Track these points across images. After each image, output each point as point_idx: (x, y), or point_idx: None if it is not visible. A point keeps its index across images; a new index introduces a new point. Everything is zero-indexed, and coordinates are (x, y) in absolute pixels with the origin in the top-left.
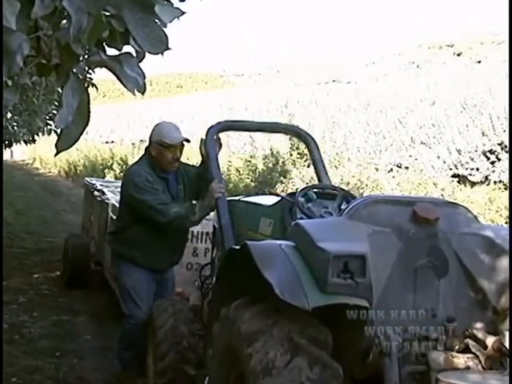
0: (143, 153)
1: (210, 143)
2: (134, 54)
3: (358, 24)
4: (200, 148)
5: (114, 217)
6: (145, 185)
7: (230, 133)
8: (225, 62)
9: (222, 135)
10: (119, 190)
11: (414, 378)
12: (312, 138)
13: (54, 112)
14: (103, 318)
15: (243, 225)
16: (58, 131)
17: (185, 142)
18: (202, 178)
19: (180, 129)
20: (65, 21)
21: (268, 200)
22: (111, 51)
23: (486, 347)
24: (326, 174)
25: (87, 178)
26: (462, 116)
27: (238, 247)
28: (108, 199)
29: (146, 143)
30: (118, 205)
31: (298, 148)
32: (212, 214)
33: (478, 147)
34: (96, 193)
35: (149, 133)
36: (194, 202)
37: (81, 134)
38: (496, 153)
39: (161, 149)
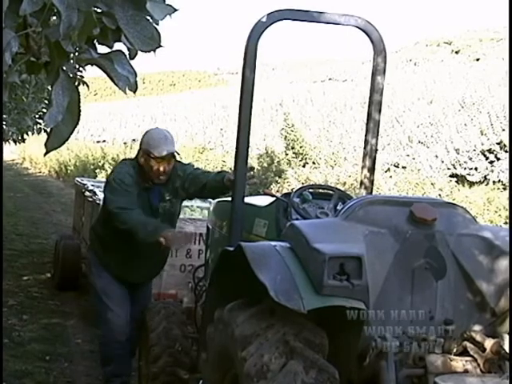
0: (137, 153)
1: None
2: (126, 52)
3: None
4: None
5: None
6: (119, 185)
7: (224, 131)
8: (219, 59)
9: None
10: None
11: (411, 382)
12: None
13: (44, 110)
14: (94, 321)
15: None
16: (48, 130)
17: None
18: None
19: (173, 138)
20: (54, 18)
21: (263, 200)
22: (102, 49)
23: (484, 350)
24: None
25: (78, 178)
26: (461, 115)
27: (231, 249)
28: (99, 200)
29: (139, 142)
30: None
31: (293, 148)
32: (205, 214)
33: (477, 146)
34: (87, 193)
35: (141, 132)
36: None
37: (71, 134)
38: (495, 152)
39: (148, 159)
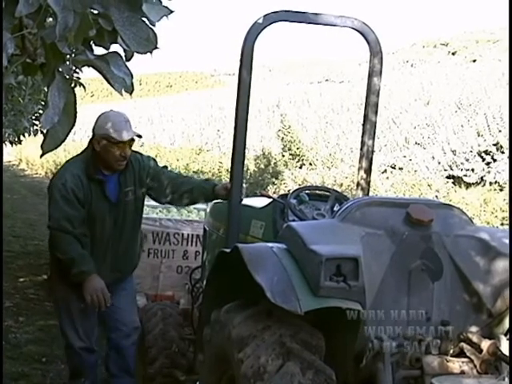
0: (86, 147)
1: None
2: (122, 53)
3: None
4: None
5: None
6: (60, 192)
7: (221, 132)
8: (215, 61)
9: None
10: None
11: (408, 383)
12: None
13: (41, 112)
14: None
15: None
16: (45, 132)
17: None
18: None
19: (130, 121)
20: (50, 19)
21: (259, 202)
22: (99, 50)
23: (481, 351)
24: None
25: None
26: (457, 116)
27: (228, 250)
28: None
29: (136, 144)
30: None
31: (290, 149)
32: (202, 215)
33: (473, 148)
34: None
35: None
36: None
37: (67, 135)
38: (491, 153)
39: (107, 144)
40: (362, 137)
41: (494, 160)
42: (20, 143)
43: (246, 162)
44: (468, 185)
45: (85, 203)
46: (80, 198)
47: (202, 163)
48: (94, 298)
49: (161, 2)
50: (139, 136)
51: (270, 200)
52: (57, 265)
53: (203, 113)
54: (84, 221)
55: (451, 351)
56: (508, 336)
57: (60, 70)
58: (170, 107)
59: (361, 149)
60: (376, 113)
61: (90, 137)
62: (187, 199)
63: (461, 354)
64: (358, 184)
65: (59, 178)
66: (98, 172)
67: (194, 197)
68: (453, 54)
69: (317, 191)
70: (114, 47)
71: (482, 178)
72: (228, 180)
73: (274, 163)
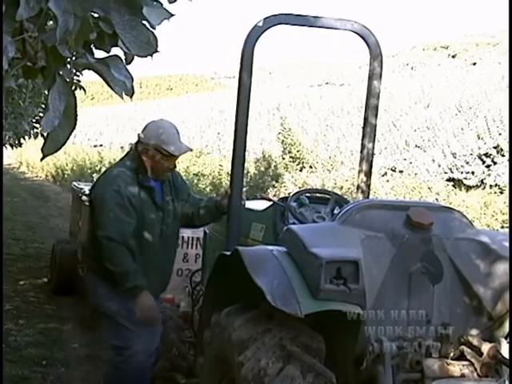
0: (127, 151)
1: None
2: (123, 57)
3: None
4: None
5: None
6: (116, 203)
7: (222, 135)
8: (216, 64)
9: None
10: None
11: None
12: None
13: (41, 115)
14: (91, 325)
15: None
16: (45, 135)
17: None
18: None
19: (179, 132)
20: (51, 22)
21: (259, 205)
22: (99, 53)
23: (481, 354)
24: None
25: (75, 183)
26: (457, 119)
27: (228, 253)
28: None
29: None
30: None
31: (290, 152)
32: None
33: (474, 150)
34: (84, 197)
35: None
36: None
37: (67, 138)
38: (492, 156)
39: (157, 156)
40: (362, 140)
41: (495, 163)
42: (20, 146)
43: (246, 164)
44: (468, 188)
45: (137, 211)
46: (134, 205)
47: (202, 166)
48: (144, 315)
49: (161, 5)
50: (190, 150)
51: (271, 203)
52: (107, 278)
53: (203, 115)
54: (134, 231)
55: (451, 354)
56: (508, 339)
57: (60, 73)
58: (170, 110)
59: (361, 152)
60: (376, 116)
61: (135, 142)
62: (197, 220)
63: (461, 357)
64: (359, 187)
65: (111, 183)
66: (148, 179)
67: (202, 217)
68: (453, 56)
69: (317, 194)
70: (115, 50)
71: (482, 180)
72: (228, 183)
73: (275, 166)
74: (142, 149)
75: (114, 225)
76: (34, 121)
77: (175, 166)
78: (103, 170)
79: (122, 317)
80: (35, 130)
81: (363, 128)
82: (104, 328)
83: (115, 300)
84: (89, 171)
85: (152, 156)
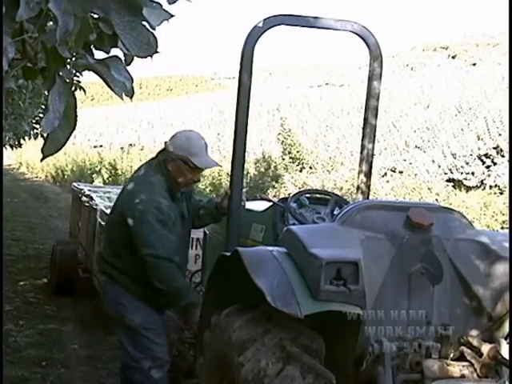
0: (152, 158)
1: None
2: (123, 57)
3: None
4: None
5: (103, 223)
6: (156, 218)
7: (221, 136)
8: (216, 64)
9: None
10: (108, 195)
11: None
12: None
13: (41, 116)
14: (91, 326)
15: None
16: (45, 135)
17: None
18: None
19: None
20: (51, 23)
21: (259, 205)
22: (99, 54)
23: (481, 355)
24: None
25: (75, 183)
26: (457, 119)
27: (228, 254)
28: (96, 205)
29: (136, 148)
30: (107, 211)
31: (290, 152)
32: None
33: (474, 151)
34: (84, 198)
35: (138, 137)
36: None
37: (67, 139)
38: (492, 157)
39: (183, 167)
40: (362, 140)
41: (494, 163)
42: (20, 147)
43: (246, 165)
44: (468, 188)
45: (174, 226)
46: (173, 220)
47: None
48: (194, 330)
49: (161, 6)
50: (219, 165)
51: (270, 203)
52: (131, 288)
53: (203, 116)
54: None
55: (451, 355)
56: (508, 340)
57: (60, 74)
58: (170, 111)
59: (361, 152)
60: (376, 116)
61: (161, 150)
62: (197, 222)
63: (461, 357)
64: (358, 187)
65: (151, 200)
66: (177, 192)
67: (203, 218)
68: (453, 57)
69: (317, 195)
70: (115, 51)
71: (482, 181)
72: (228, 183)
73: (274, 167)
74: (169, 159)
75: (159, 242)
76: (33, 121)
77: (199, 180)
78: (103, 170)
79: (146, 329)
80: (35, 131)
81: (363, 129)
82: (124, 339)
83: (140, 312)
84: (88, 172)
85: (178, 167)
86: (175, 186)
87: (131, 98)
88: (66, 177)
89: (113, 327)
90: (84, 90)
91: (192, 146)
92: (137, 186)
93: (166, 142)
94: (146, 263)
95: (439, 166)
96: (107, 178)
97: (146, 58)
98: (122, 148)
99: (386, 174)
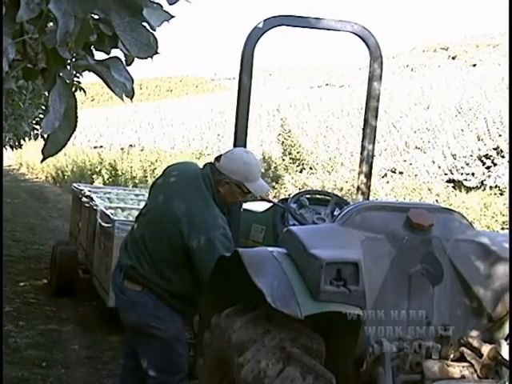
0: (199, 168)
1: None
2: (123, 58)
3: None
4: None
5: (103, 223)
6: (225, 247)
7: (222, 137)
8: (216, 65)
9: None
10: (108, 196)
11: None
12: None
13: (41, 116)
14: (91, 326)
15: None
16: (45, 136)
17: None
18: None
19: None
20: (51, 24)
21: (260, 206)
22: (100, 55)
23: (481, 356)
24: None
25: (75, 184)
26: (457, 120)
27: (228, 254)
28: (96, 205)
29: (136, 148)
30: (107, 212)
31: (290, 153)
32: None
33: (474, 152)
34: (84, 199)
35: (138, 137)
36: None
37: (68, 140)
38: (492, 158)
39: (236, 191)
40: (362, 141)
41: (495, 164)
42: (20, 147)
43: None
44: (468, 189)
45: None
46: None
47: None
48: None
49: (161, 7)
50: (270, 190)
51: (271, 204)
52: (168, 301)
53: (203, 117)
54: None
55: (452, 356)
56: (508, 340)
57: (61, 74)
58: (170, 111)
59: (361, 153)
60: (376, 117)
61: (210, 165)
62: None
63: (461, 358)
64: (359, 188)
65: (215, 227)
66: (222, 209)
67: None
68: (453, 58)
69: (317, 195)
70: (115, 52)
71: (482, 182)
72: None
73: (275, 167)
74: (223, 182)
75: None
76: (34, 122)
77: (246, 201)
78: (103, 171)
79: (178, 341)
80: (35, 132)
81: (363, 129)
82: (150, 350)
83: (175, 325)
84: (89, 173)
85: (232, 191)
86: (222, 204)
87: (131, 98)
88: (66, 177)
89: (131, 334)
90: (84, 91)
91: (250, 173)
92: (198, 213)
93: (216, 160)
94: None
95: (439, 167)
96: (107, 179)
97: (146, 58)
98: (122, 149)
99: (386, 174)
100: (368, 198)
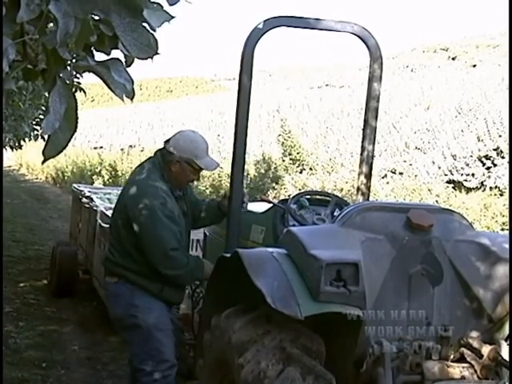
0: (150, 158)
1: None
2: (123, 59)
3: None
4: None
5: (103, 224)
6: (163, 213)
7: (222, 137)
8: (216, 66)
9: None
10: (108, 196)
11: None
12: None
13: (41, 117)
14: (91, 327)
15: None
16: (45, 137)
17: None
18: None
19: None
20: (51, 25)
21: (260, 207)
22: (100, 56)
23: (481, 356)
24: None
25: (75, 185)
26: (457, 121)
27: (228, 255)
28: (96, 206)
29: (136, 149)
30: (107, 212)
31: (290, 154)
32: None
33: (474, 152)
34: (84, 199)
35: (138, 138)
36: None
37: (69, 141)
38: (492, 158)
39: (187, 169)
40: (362, 142)
41: (495, 165)
42: (20, 148)
43: (246, 166)
44: (468, 190)
45: (178, 221)
46: (177, 216)
47: None
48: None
49: (162, 8)
50: (220, 166)
51: (271, 205)
52: (146, 287)
53: (203, 118)
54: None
55: (452, 356)
56: (508, 341)
57: (61, 75)
58: (170, 112)
59: (361, 154)
60: (376, 118)
61: (160, 149)
62: (200, 222)
63: (461, 359)
64: (359, 189)
65: (156, 197)
66: (177, 189)
67: (204, 219)
68: (453, 58)
69: (317, 196)
70: (115, 53)
71: (482, 182)
72: (228, 184)
73: (275, 168)
74: (173, 160)
75: (171, 236)
76: (34, 123)
77: (199, 178)
78: (103, 171)
79: (159, 330)
80: (35, 132)
81: (363, 130)
82: (133, 341)
83: (154, 313)
84: (89, 173)
85: (182, 169)
86: (177, 185)
87: (132, 99)
88: (66, 178)
89: (119, 330)
90: (84, 92)
91: (197, 149)
92: (139, 189)
93: (166, 143)
94: (164, 261)
95: (439, 168)
96: (107, 180)
97: (146, 59)
98: (122, 149)
99: (386, 175)
100: (368, 199)
